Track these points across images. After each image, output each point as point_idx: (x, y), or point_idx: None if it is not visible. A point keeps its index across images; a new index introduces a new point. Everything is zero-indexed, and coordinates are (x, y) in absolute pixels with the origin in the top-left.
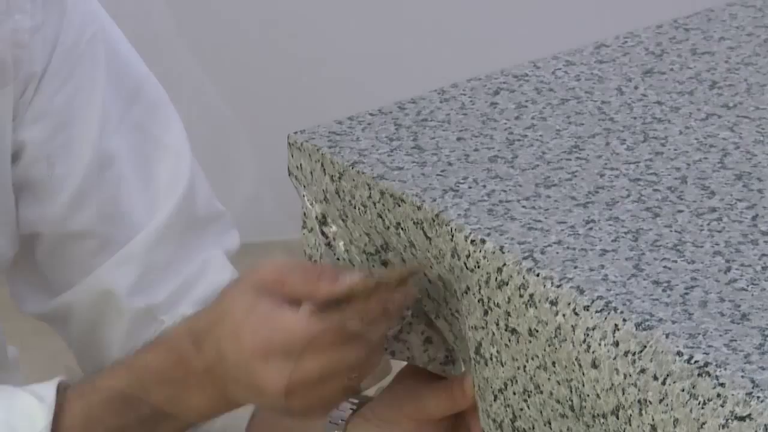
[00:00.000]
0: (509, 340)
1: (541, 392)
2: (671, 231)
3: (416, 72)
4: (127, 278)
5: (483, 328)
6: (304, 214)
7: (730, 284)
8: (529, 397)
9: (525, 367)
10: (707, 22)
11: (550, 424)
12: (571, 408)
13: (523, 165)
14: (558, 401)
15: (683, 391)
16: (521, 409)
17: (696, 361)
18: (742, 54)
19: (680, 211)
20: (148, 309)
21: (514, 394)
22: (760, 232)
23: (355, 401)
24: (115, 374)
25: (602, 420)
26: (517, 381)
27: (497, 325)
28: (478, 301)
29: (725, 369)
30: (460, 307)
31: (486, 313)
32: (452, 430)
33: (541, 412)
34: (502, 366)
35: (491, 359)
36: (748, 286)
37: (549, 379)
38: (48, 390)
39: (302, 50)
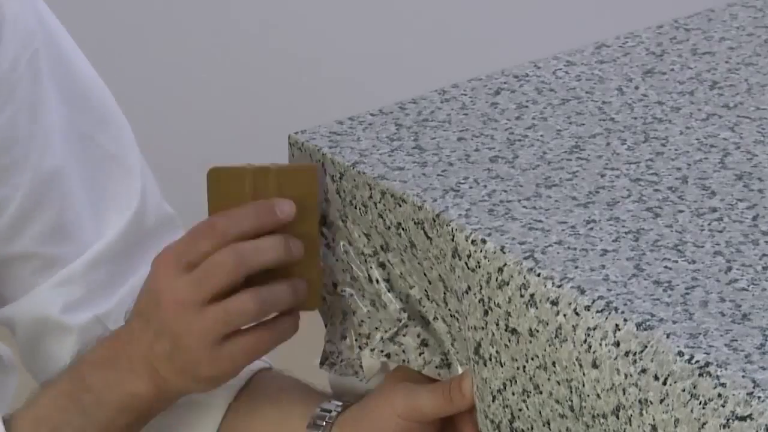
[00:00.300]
0: (509, 341)
1: (541, 392)
2: (672, 231)
3: (417, 72)
4: (65, 299)
5: (483, 328)
6: None
7: (731, 284)
8: (528, 397)
9: (524, 367)
10: (708, 23)
11: (549, 424)
12: (571, 408)
13: (524, 165)
14: (558, 401)
15: (684, 391)
16: (520, 410)
17: (697, 361)
18: (742, 54)
19: (681, 211)
20: (97, 320)
21: (513, 394)
22: (761, 232)
23: (340, 403)
24: (60, 376)
25: (602, 420)
26: (516, 381)
27: (497, 325)
28: (479, 301)
29: (726, 369)
30: (460, 308)
31: (486, 313)
32: None
33: (540, 413)
34: (502, 366)
35: (490, 359)
36: (748, 286)
37: (549, 379)
38: None
39: (303, 50)
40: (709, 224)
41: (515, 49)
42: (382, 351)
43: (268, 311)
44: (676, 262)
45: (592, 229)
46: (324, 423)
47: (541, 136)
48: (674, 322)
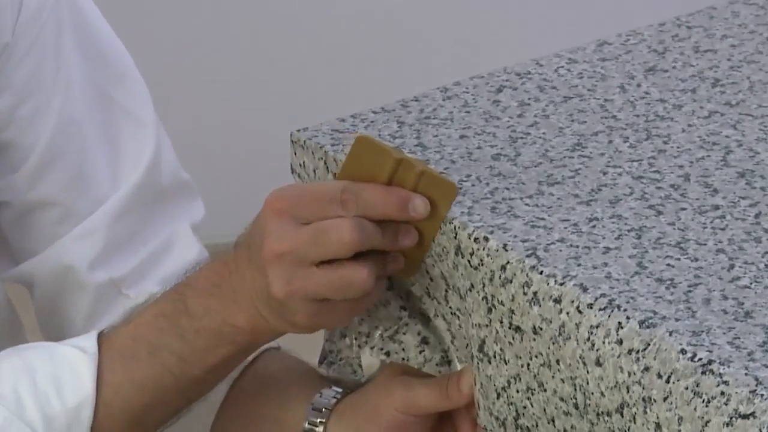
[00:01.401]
0: (513, 338)
1: (545, 390)
2: (674, 229)
3: (419, 70)
4: (88, 252)
5: (487, 325)
6: None
7: (734, 282)
8: (532, 395)
9: (529, 365)
10: (709, 20)
11: (553, 421)
12: (575, 406)
13: (526, 163)
14: (562, 399)
15: (687, 389)
16: (524, 407)
17: (699, 359)
18: (744, 52)
19: (683, 209)
20: (112, 282)
21: (518, 391)
22: (764, 229)
23: (340, 389)
24: (161, 297)
25: (606, 418)
26: (520, 379)
27: (501, 322)
28: (482, 298)
29: (729, 367)
30: (462, 306)
31: (490, 310)
32: (438, 427)
33: (544, 410)
34: (506, 364)
35: (494, 357)
36: (751, 283)
37: (553, 377)
38: (89, 341)
39: (305, 48)
40: (712, 222)
41: (517, 46)
42: (381, 349)
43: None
44: (679, 259)
45: (594, 226)
46: (323, 409)
47: (544, 133)
48: (677, 320)
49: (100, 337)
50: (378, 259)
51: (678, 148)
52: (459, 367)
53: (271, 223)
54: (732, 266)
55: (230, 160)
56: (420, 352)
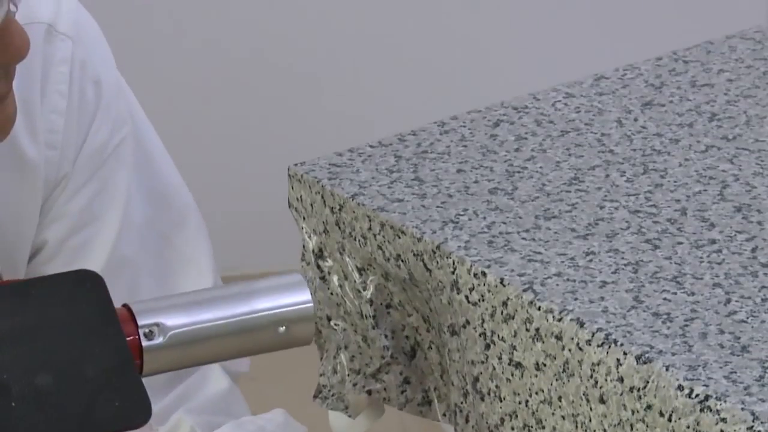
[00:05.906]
0: (512, 375)
1: (543, 427)
2: (671, 263)
3: (416, 104)
4: None
5: (483, 362)
6: (303, 246)
7: (730, 316)
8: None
9: (527, 401)
10: (706, 55)
11: None
12: None
13: (523, 197)
14: None
15: (689, 428)
16: None
17: (697, 395)
18: (741, 86)
19: (680, 243)
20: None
21: (513, 429)
22: (760, 264)
23: None
24: None
25: None
26: (517, 416)
27: (500, 359)
28: (480, 335)
29: (725, 402)
30: (455, 342)
31: (488, 347)
32: None
33: None
34: (501, 401)
35: (488, 394)
36: (747, 318)
37: (553, 413)
38: None
39: (302, 82)
40: (708, 256)
41: (514, 81)
42: (363, 387)
43: None
44: (675, 293)
45: (591, 260)
46: None
47: (541, 167)
48: (673, 354)
49: None
50: None
51: (675, 182)
52: (438, 407)
53: None
54: (728, 300)
55: (227, 194)
56: (402, 392)
